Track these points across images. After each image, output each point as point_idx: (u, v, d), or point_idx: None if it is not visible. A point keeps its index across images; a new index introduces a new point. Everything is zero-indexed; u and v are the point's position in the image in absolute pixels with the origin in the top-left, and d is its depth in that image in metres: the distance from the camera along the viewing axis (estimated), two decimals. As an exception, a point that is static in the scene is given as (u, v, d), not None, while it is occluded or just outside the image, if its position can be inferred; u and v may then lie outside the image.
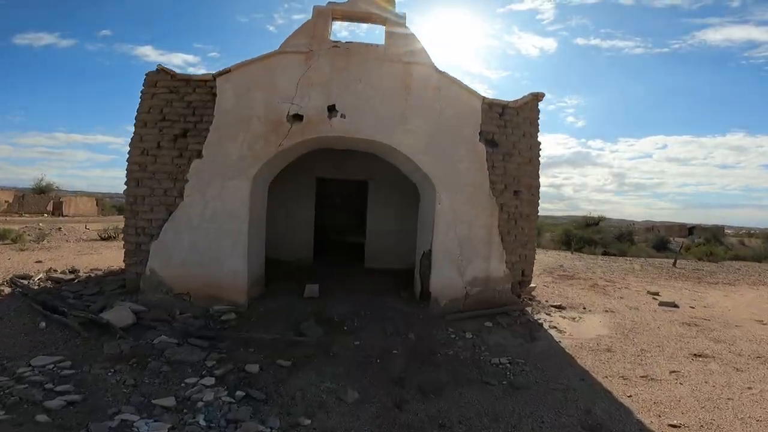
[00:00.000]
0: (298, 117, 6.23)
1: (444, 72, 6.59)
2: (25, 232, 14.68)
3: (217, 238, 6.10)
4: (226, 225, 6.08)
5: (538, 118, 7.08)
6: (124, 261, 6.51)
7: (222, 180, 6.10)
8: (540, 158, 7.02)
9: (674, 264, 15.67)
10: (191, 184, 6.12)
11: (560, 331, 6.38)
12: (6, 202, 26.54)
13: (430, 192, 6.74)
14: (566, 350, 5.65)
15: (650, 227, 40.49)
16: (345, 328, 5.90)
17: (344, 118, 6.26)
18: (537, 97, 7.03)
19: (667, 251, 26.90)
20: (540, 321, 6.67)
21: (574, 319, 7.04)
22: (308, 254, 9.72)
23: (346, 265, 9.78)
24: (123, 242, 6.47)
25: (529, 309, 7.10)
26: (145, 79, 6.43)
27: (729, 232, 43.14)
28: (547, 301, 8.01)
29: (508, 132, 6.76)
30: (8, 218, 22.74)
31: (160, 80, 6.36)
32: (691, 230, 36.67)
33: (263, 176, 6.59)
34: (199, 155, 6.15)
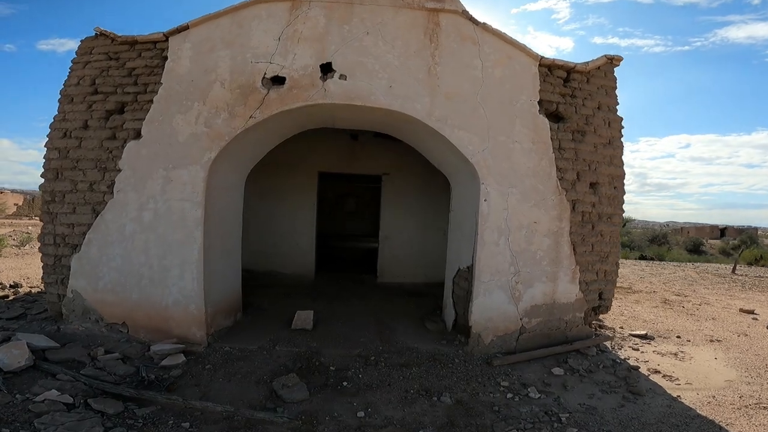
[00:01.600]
0: (277, 80, 4.19)
1: (484, 23, 4.48)
2: (10, 236, 13.05)
3: (159, 252, 4.10)
4: (170, 234, 4.08)
5: (616, 88, 4.91)
6: (42, 279, 4.58)
7: (166, 169, 4.10)
8: (622, 139, 4.83)
9: (733, 270, 13.23)
10: (123, 176, 4.13)
11: (668, 378, 4.17)
12: (15, 204, 25.34)
13: (469, 186, 4.61)
14: (700, 413, 3.47)
15: (679, 229, 37.40)
16: (344, 383, 3.80)
17: (344, 79, 4.19)
18: (612, 60, 4.86)
19: (701, 254, 24.24)
20: (629, 361, 4.50)
21: (675, 355, 4.81)
22: (308, 266, 7.67)
23: (355, 280, 7.70)
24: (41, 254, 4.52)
25: (608, 343, 4.92)
26: (78, 46, 4.57)
27: (760, 233, 39.86)
28: (622, 328, 5.78)
29: (578, 103, 4.61)
30: (14, 221, 21.41)
31: (98, 46, 4.47)
32: (723, 232, 33.67)
33: (229, 164, 4.53)
34: (138, 135, 4.18)
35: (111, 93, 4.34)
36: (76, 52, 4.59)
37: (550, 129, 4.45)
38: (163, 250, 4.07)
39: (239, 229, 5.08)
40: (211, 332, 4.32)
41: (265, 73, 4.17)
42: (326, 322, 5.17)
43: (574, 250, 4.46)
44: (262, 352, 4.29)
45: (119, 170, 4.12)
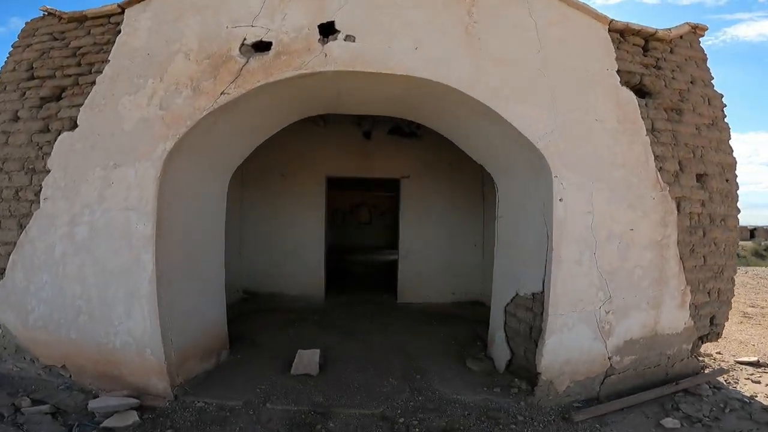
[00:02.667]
0: (261, 47, 3.03)
1: (533, -25, 3.29)
2: None
3: (98, 281, 2.92)
4: (111, 258, 2.90)
5: (707, 60, 3.69)
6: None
7: (105, 168, 2.95)
8: (726, 120, 3.56)
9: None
10: (52, 179, 3.01)
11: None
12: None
13: (531, 183, 3.34)
14: None
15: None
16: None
17: (352, 41, 3.01)
18: (696, 30, 3.67)
19: (738, 257, 22.32)
20: (758, 398, 3.26)
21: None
22: (316, 286, 6.42)
23: (371, 302, 6.43)
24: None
25: (721, 378, 3.61)
26: (22, 29, 3.68)
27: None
28: (719, 353, 4.41)
29: (665, 76, 3.39)
30: None
31: (43, 27, 3.57)
32: (752, 233, 31.81)
33: (197, 161, 3.32)
34: (74, 126, 3.06)
35: (49, 77, 3.34)
36: (18, 36, 3.68)
37: (638, 105, 3.20)
38: (104, 279, 2.88)
39: (220, 247, 3.84)
40: (179, 382, 3.09)
41: (244, 39, 3.03)
42: (337, 363, 3.90)
43: (683, 264, 3.14)
44: (248, 412, 3.04)
45: (48, 171, 2.98)
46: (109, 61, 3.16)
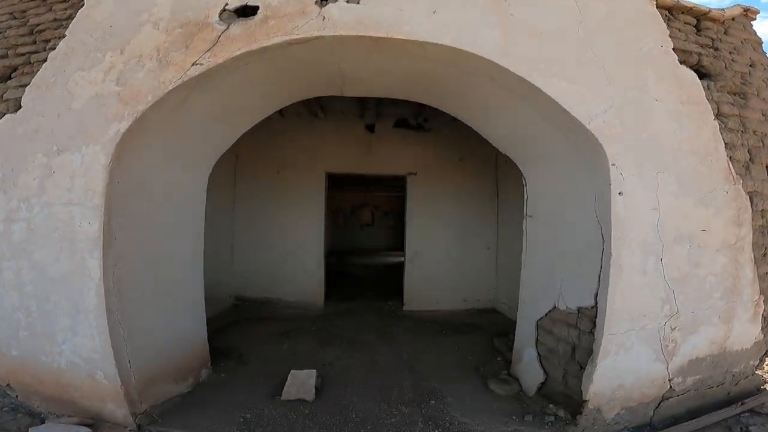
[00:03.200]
0: (245, 11, 2.49)
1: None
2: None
3: (37, 290, 2.38)
4: (51, 262, 2.35)
5: (762, 43, 3.19)
6: None
7: (47, 154, 2.42)
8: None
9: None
10: None
11: None
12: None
13: (574, 173, 2.77)
14: None
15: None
16: None
17: (356, 2, 2.46)
18: (748, 12, 3.21)
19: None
20: None
21: None
22: (315, 292, 5.86)
23: (375, 309, 5.86)
24: None
25: None
26: None
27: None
28: None
29: (725, 57, 2.90)
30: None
31: (4, 6, 3.11)
32: None
33: (162, 146, 2.74)
34: (18, 107, 2.53)
35: (1, 57, 2.79)
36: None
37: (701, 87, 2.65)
38: (44, 288, 2.34)
39: (198, 252, 3.27)
40: (143, 409, 2.55)
41: (226, 4, 2.50)
42: (336, 385, 3.33)
43: (756, 271, 2.58)
44: (228, 450, 2.49)
45: (-17, 162, 2.44)
46: (65, 36, 2.65)
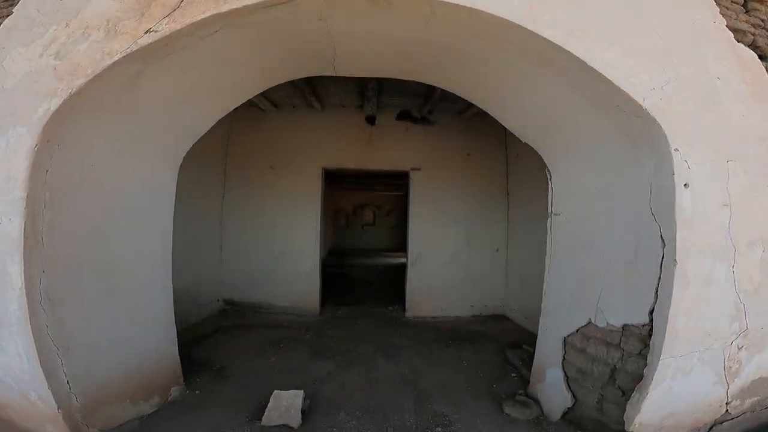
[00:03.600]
0: None
1: None
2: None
3: None
4: None
5: None
6: None
7: None
8: None
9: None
10: None
11: None
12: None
13: (620, 162, 2.30)
14: None
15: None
16: None
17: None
18: None
19: None
20: None
21: None
22: (311, 296, 5.41)
23: (375, 316, 5.40)
24: None
25: None
26: None
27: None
28: None
29: None
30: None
31: None
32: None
33: (110, 130, 2.29)
34: None
35: None
36: None
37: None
38: None
39: (163, 255, 2.78)
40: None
41: None
42: (328, 407, 2.87)
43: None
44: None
45: None
46: (12, 13, 2.23)
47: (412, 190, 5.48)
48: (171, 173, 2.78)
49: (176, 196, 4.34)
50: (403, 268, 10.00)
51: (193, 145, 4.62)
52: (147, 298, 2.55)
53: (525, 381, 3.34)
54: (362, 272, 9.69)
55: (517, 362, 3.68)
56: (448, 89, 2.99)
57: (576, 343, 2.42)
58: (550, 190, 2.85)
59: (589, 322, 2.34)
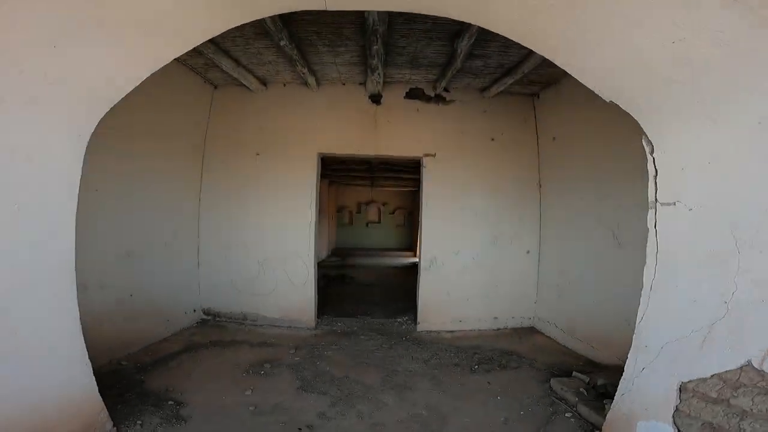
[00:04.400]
0: None
1: None
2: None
3: None
4: None
5: None
6: None
7: None
8: None
9: None
10: None
11: None
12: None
13: None
14: None
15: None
16: None
17: None
18: None
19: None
20: None
21: None
22: (305, 306, 4.55)
23: (381, 330, 4.52)
24: None
25: None
26: None
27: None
28: None
29: None
30: None
31: None
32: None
33: None
34: None
35: None
36: None
37: None
38: None
39: (64, 251, 1.89)
40: None
41: None
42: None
43: None
44: None
45: None
46: None
47: (426, 181, 4.60)
48: (71, 142, 1.91)
49: (137, 188, 3.46)
50: (411, 269, 9.06)
51: (161, 129, 3.75)
52: (29, 322, 1.69)
53: (587, 423, 2.47)
54: (366, 274, 8.84)
55: (570, 396, 2.80)
56: (490, 27, 2.09)
57: (708, 391, 1.54)
58: (653, 168, 1.92)
59: (746, 365, 1.44)
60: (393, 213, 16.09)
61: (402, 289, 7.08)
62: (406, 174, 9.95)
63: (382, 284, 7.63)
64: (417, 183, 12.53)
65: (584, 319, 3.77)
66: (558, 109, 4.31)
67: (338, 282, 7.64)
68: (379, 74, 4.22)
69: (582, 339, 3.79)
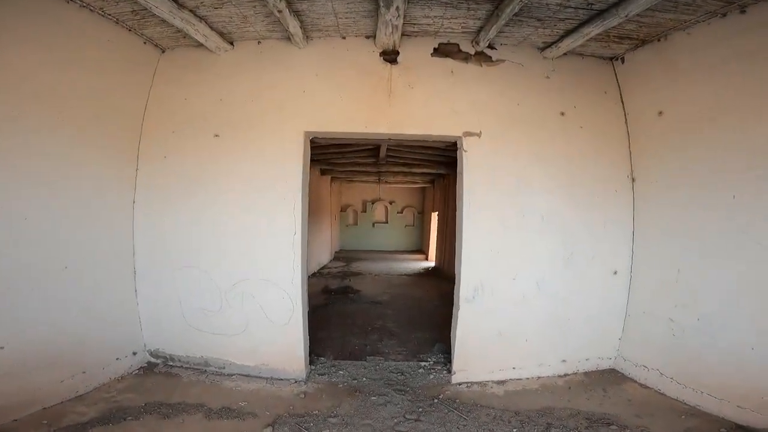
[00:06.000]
0: None
1: None
2: None
3: None
4: None
5: None
6: None
7: None
8: None
9: None
10: None
11: None
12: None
13: None
14: None
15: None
16: None
17: None
18: None
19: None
20: None
21: None
22: (289, 350, 3.14)
23: (400, 382, 3.12)
24: None
25: None
26: None
27: None
28: None
29: None
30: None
31: None
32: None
33: None
34: None
35: None
36: None
37: None
38: None
39: None
40: None
41: None
42: None
43: None
44: None
45: None
46: None
47: (466, 173, 3.17)
48: None
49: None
50: (425, 277, 7.84)
51: (72, 109, 2.33)
52: None
53: None
54: (374, 285, 7.44)
55: None
56: None
57: None
58: None
59: None
60: (401, 212, 14.72)
61: (420, 307, 5.70)
62: (417, 168, 8.51)
63: (394, 300, 6.22)
64: (429, 178, 10.93)
65: (727, 368, 2.47)
66: (665, 73, 2.90)
67: (341, 297, 6.26)
68: (397, 14, 2.79)
69: (717, 394, 2.46)
